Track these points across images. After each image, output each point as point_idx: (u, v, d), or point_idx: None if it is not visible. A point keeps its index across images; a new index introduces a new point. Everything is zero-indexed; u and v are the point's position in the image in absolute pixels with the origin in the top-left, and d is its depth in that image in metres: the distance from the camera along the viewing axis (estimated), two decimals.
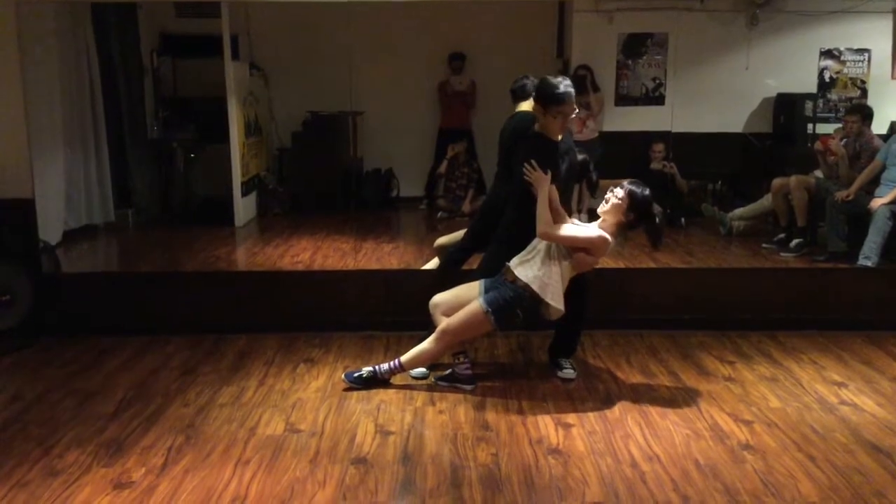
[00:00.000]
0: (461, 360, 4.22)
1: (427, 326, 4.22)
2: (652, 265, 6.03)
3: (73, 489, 3.17)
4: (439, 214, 8.57)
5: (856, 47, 8.39)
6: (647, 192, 3.99)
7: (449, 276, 4.62)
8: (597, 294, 4.59)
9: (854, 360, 4.71)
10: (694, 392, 4.20)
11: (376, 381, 4.20)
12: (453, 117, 9.07)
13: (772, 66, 8.37)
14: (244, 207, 8.06)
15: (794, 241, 6.68)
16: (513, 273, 4.00)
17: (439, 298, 4.18)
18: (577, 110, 4.16)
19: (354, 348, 4.87)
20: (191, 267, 6.36)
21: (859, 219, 6.24)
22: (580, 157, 4.40)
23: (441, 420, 3.84)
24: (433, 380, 4.27)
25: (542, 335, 4.72)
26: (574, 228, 4.00)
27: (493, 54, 8.78)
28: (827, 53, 8.42)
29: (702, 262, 6.41)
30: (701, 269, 6.02)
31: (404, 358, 4.17)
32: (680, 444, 3.58)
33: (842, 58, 8.43)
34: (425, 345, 4.12)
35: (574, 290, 4.08)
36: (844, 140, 6.63)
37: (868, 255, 5.94)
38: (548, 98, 3.98)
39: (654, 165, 7.85)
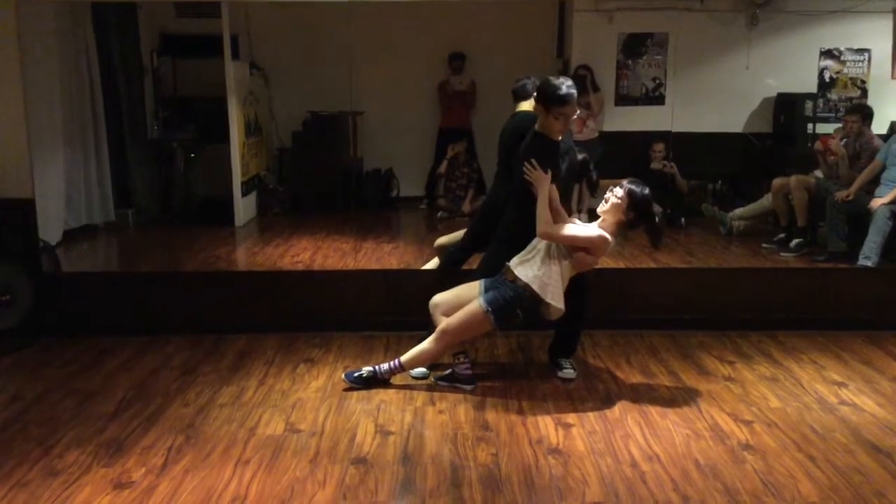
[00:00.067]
0: (461, 360, 4.22)
1: (427, 326, 4.22)
2: (652, 265, 6.03)
3: (73, 489, 3.17)
4: (439, 214, 8.58)
5: (856, 47, 8.39)
6: (646, 191, 4.00)
7: (449, 275, 4.62)
8: (597, 294, 4.59)
9: (854, 360, 4.71)
10: (694, 392, 4.20)
11: (376, 381, 4.20)
12: (453, 117, 9.07)
13: (772, 65, 8.37)
14: (244, 207, 8.06)
15: (795, 241, 6.68)
16: (513, 273, 4.00)
17: (439, 298, 4.18)
18: (579, 111, 4.16)
19: (354, 348, 4.87)
20: (191, 267, 6.37)
21: (859, 219, 6.24)
22: (580, 156, 4.40)
23: (441, 420, 3.84)
24: (433, 380, 4.27)
25: (542, 335, 4.72)
26: (574, 228, 4.00)
27: (493, 54, 8.78)
28: (827, 53, 8.42)
29: (702, 262, 6.41)
30: (701, 269, 6.02)
31: (404, 358, 4.17)
32: (680, 444, 3.58)
33: (842, 58, 8.43)
34: (425, 345, 4.12)
35: (574, 289, 4.08)
36: (844, 140, 6.63)
37: (868, 255, 5.94)
38: (550, 99, 3.98)
39: (655, 165, 7.86)
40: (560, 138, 4.12)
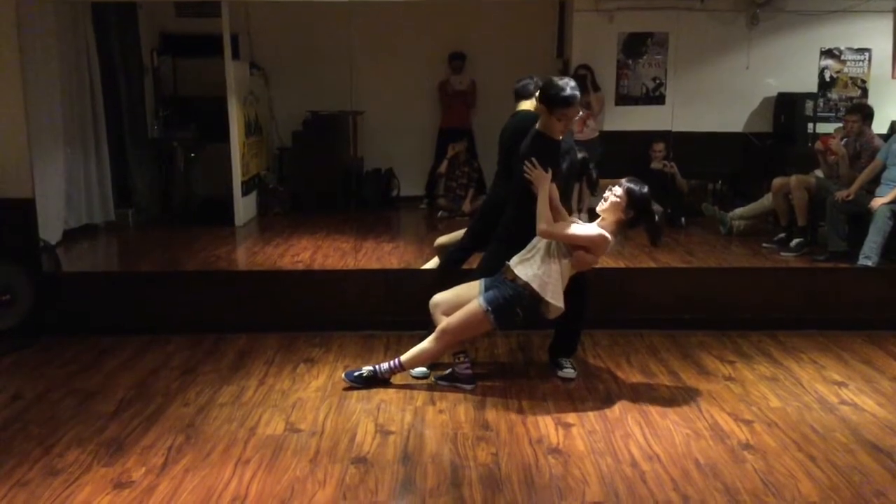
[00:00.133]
0: (461, 359, 4.22)
1: (427, 326, 4.22)
2: (652, 265, 6.03)
3: (73, 488, 3.17)
4: (439, 214, 8.58)
5: (856, 47, 8.39)
6: (645, 189, 4.00)
7: (449, 275, 4.62)
8: (597, 294, 4.59)
9: (854, 360, 4.71)
10: (694, 392, 4.20)
11: (376, 381, 4.20)
12: (453, 117, 9.08)
13: (772, 65, 8.37)
14: (244, 207, 8.06)
15: (795, 241, 6.68)
16: (512, 272, 4.00)
17: (439, 298, 4.18)
18: (580, 111, 4.16)
19: (355, 348, 4.87)
20: (191, 266, 6.37)
21: (860, 218, 6.24)
22: (579, 155, 4.40)
23: (441, 420, 3.84)
24: (433, 379, 4.27)
25: (542, 335, 4.72)
26: (574, 227, 3.99)
27: (494, 54, 8.78)
28: (827, 53, 8.42)
29: (702, 261, 6.41)
30: (701, 269, 6.02)
31: (404, 357, 4.17)
32: (680, 444, 3.58)
33: (842, 57, 8.43)
34: (425, 344, 4.12)
35: (574, 289, 4.08)
36: (845, 139, 6.63)
37: (868, 255, 5.94)
38: (553, 100, 3.98)
39: (655, 165, 7.86)
40: (561, 138, 4.13)
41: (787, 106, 8.26)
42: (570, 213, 4.27)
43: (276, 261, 6.51)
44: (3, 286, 5.00)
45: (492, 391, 4.18)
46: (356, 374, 4.21)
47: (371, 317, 5.16)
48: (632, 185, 3.99)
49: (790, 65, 8.37)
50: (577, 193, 6.69)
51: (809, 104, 8.14)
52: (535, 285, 3.92)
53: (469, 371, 4.22)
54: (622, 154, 7.75)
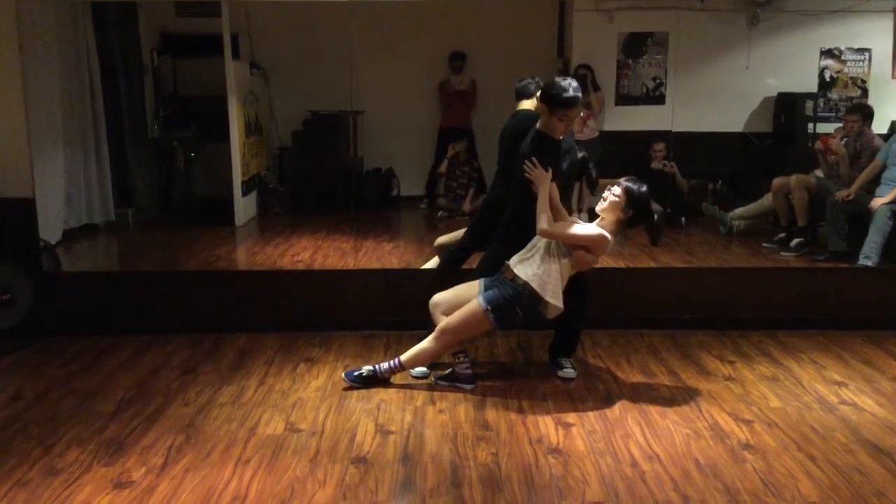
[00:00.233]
0: (461, 359, 4.22)
1: (427, 325, 4.22)
2: (652, 265, 6.03)
3: (73, 488, 3.17)
4: (440, 214, 8.58)
5: (856, 47, 8.39)
6: (644, 188, 4.00)
7: (449, 275, 4.62)
8: (597, 294, 4.59)
9: (854, 360, 4.71)
10: (694, 391, 4.20)
11: (376, 381, 4.20)
12: (454, 116, 9.08)
13: (772, 65, 8.37)
14: (244, 207, 8.06)
15: (795, 241, 6.68)
16: (512, 271, 4.00)
17: (439, 297, 4.18)
18: (581, 112, 4.16)
19: (355, 347, 4.87)
20: (191, 266, 6.37)
21: (860, 218, 6.24)
22: (579, 154, 4.41)
23: (441, 419, 3.84)
24: (433, 379, 4.27)
25: (542, 334, 4.72)
26: (574, 226, 3.99)
27: (494, 54, 8.79)
28: (827, 53, 8.42)
29: (702, 261, 6.41)
30: (701, 269, 6.02)
31: (404, 357, 4.17)
32: (680, 444, 3.58)
33: (842, 57, 8.43)
34: (425, 344, 4.12)
35: (574, 289, 4.08)
36: (845, 139, 6.63)
37: (868, 255, 5.94)
38: (555, 100, 3.98)
39: (655, 165, 7.86)
40: (561, 137, 4.13)
41: (787, 106, 8.26)
42: (570, 213, 4.27)
43: (276, 261, 6.51)
44: (3, 286, 5.00)
45: (492, 391, 4.18)
46: (356, 373, 4.21)
47: (371, 317, 5.16)
48: (630, 185, 3.99)
49: (790, 65, 8.37)
50: (577, 193, 6.70)
51: (809, 104, 8.14)
52: (534, 285, 3.92)
53: (469, 371, 4.22)
54: (622, 154, 7.76)
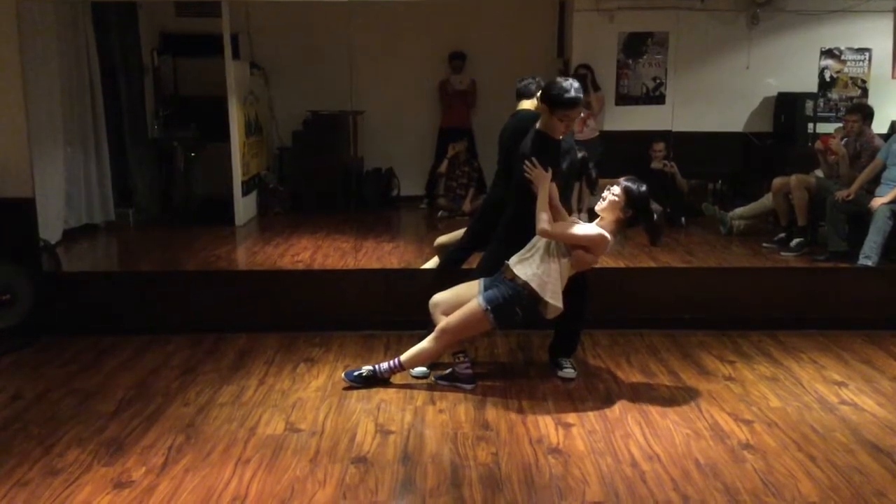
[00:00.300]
0: (461, 359, 4.22)
1: (427, 325, 4.22)
2: (652, 265, 6.03)
3: (73, 488, 3.17)
4: (440, 213, 8.58)
5: (856, 47, 8.39)
6: (643, 188, 4.00)
7: (449, 275, 4.62)
8: (597, 294, 4.59)
9: (854, 360, 4.71)
10: (694, 391, 4.20)
11: (376, 380, 4.20)
12: (454, 116, 9.08)
13: (772, 65, 8.38)
14: (244, 207, 8.06)
15: (795, 241, 6.68)
16: (512, 271, 4.00)
17: (439, 297, 4.18)
18: (581, 113, 4.16)
19: (355, 347, 4.87)
20: (191, 266, 6.37)
21: (860, 218, 6.24)
22: (579, 154, 4.41)
23: (441, 419, 3.84)
24: (433, 379, 4.27)
25: (542, 335, 4.72)
26: (574, 226, 3.99)
27: (494, 54, 8.79)
28: (827, 53, 8.42)
29: (702, 261, 6.41)
30: (701, 269, 6.02)
31: (404, 357, 4.17)
32: (680, 444, 3.58)
33: (842, 57, 8.43)
34: (425, 344, 4.12)
35: (574, 289, 4.08)
36: (845, 139, 6.64)
37: (868, 255, 5.94)
38: (555, 101, 3.98)
39: (655, 165, 7.86)
40: (561, 137, 4.13)
41: (787, 106, 8.27)
42: (570, 213, 4.27)
43: (276, 261, 6.51)
44: (3, 286, 5.00)
45: (492, 391, 4.18)
46: (356, 373, 4.21)
47: (371, 317, 5.16)
48: (630, 184, 3.99)
49: (790, 65, 8.37)
50: (577, 193, 6.69)
51: (809, 104, 8.15)
52: (534, 285, 3.92)
53: (469, 371, 4.22)
54: (622, 154, 7.76)
